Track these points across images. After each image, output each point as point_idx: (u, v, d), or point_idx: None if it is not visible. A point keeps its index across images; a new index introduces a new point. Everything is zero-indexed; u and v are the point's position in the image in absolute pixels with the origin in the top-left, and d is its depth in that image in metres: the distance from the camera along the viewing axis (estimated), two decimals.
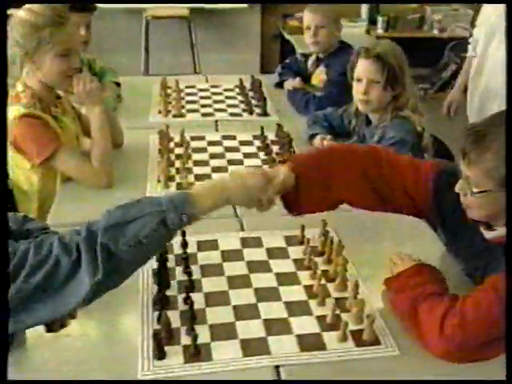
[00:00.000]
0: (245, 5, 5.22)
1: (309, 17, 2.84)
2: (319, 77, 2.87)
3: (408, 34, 5.50)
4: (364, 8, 5.54)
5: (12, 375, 1.15)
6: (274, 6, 5.45)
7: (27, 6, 1.93)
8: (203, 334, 1.37)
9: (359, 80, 2.13)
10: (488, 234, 1.41)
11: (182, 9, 5.03)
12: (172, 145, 2.34)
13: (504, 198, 1.26)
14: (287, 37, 5.20)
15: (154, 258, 1.60)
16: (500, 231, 1.37)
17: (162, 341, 1.32)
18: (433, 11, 5.52)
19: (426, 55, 5.73)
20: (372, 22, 5.49)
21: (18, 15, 1.91)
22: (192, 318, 1.40)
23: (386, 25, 5.42)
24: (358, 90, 2.15)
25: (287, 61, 3.21)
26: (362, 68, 2.12)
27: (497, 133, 1.26)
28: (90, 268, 1.13)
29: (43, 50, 1.89)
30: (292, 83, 2.88)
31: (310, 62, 3.00)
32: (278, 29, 5.47)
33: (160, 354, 1.31)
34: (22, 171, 2.01)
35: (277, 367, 1.31)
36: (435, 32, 5.55)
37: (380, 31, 5.43)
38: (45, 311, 1.15)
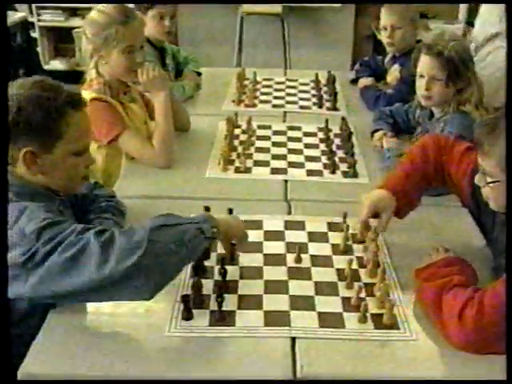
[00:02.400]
0: (338, 4, 5.25)
1: (385, 17, 2.86)
2: (393, 75, 2.87)
3: None
4: (462, 9, 5.40)
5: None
6: (368, 5, 5.44)
7: (100, 6, 2.14)
8: (231, 302, 1.47)
9: (421, 76, 2.14)
10: None
11: (276, 6, 5.14)
12: (238, 131, 2.45)
13: None
14: (379, 37, 5.18)
15: None
16: None
17: (189, 303, 1.43)
18: None
19: None
20: (470, 23, 5.34)
21: (91, 15, 2.13)
22: (223, 286, 1.50)
23: None
24: (419, 85, 2.16)
25: (366, 59, 3.25)
26: (424, 64, 2.12)
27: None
28: (124, 253, 1.26)
29: (109, 47, 2.09)
30: (364, 81, 2.91)
31: (386, 60, 3.02)
32: (371, 29, 5.45)
33: (187, 316, 1.42)
34: None
35: (293, 339, 1.38)
36: None
37: None
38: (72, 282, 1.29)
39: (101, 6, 2.12)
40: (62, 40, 5.77)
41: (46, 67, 5.50)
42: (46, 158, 1.46)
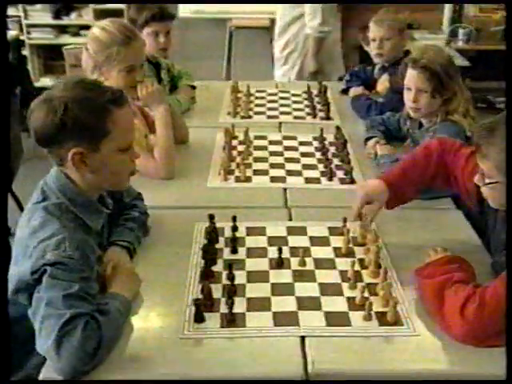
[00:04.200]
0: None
1: (374, 29, 2.95)
2: (383, 84, 2.96)
3: (490, 47, 5.45)
4: (445, 20, 5.53)
5: None
6: (354, 17, 5.55)
7: (102, 23, 2.17)
8: (241, 305, 1.53)
9: (409, 89, 2.23)
10: None
11: (264, 20, 5.25)
12: (236, 142, 2.52)
13: None
14: (366, 48, 5.28)
15: (203, 235, 1.78)
16: None
17: (201, 306, 1.49)
18: None
19: None
20: (453, 34, 5.47)
21: (93, 31, 2.16)
22: (232, 290, 1.56)
23: (468, 37, 5.39)
24: (407, 98, 2.24)
25: (355, 69, 3.34)
26: (411, 77, 2.21)
27: (505, 128, 1.35)
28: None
29: (110, 65, 2.12)
30: (355, 90, 3.00)
31: (376, 70, 3.11)
32: (357, 40, 5.56)
33: (199, 318, 1.48)
34: None
35: (303, 338, 1.45)
36: None
37: (461, 43, 5.40)
38: None
39: (103, 24, 2.16)
40: (52, 57, 5.83)
41: (36, 84, 5.54)
42: (94, 157, 1.49)
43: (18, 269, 1.42)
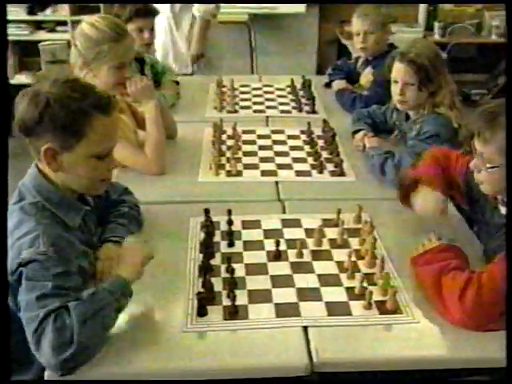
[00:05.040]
0: (303, 10, 5.38)
1: (358, 23, 2.97)
2: (367, 77, 2.99)
3: (465, 40, 5.53)
4: (421, 13, 5.59)
5: None
6: (332, 11, 5.58)
7: (92, 20, 2.14)
8: (242, 297, 1.55)
9: (396, 82, 2.27)
10: (503, 209, 1.53)
11: (242, 14, 5.25)
12: (224, 137, 2.53)
13: None
14: (344, 42, 5.33)
15: (198, 230, 1.80)
16: None
17: (203, 300, 1.50)
18: (491, 16, 5.52)
19: (483, 61, 5.75)
20: (429, 27, 5.54)
21: (82, 27, 2.13)
22: (232, 283, 1.57)
23: (443, 30, 5.45)
24: (394, 91, 2.28)
25: (338, 62, 3.36)
26: (398, 71, 2.25)
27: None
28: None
29: (100, 62, 2.10)
30: (338, 83, 3.03)
31: (359, 64, 3.14)
32: (335, 34, 5.60)
33: (202, 312, 1.49)
34: None
35: (305, 328, 1.47)
36: (494, 37, 5.54)
37: (437, 37, 5.46)
38: None
39: (93, 20, 2.13)
40: (28, 54, 5.74)
41: (11, 81, 5.45)
42: (66, 157, 1.48)
43: None
